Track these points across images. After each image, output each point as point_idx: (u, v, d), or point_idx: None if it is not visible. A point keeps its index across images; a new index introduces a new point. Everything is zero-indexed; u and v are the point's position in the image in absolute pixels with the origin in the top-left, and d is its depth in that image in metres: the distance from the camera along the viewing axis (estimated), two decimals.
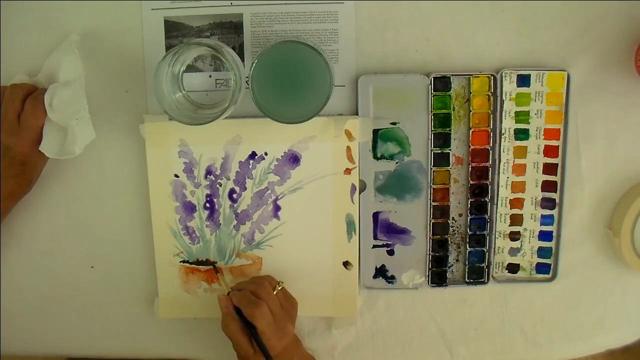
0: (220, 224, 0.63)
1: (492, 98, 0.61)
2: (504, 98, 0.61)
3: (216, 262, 0.63)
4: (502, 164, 0.62)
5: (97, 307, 0.66)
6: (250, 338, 0.55)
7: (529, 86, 0.61)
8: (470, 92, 0.61)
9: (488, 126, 0.61)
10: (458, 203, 0.63)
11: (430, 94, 0.60)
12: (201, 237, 0.63)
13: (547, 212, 0.63)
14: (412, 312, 0.66)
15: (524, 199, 0.63)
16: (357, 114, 0.61)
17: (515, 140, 0.62)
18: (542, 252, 0.64)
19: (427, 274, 0.64)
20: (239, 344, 0.55)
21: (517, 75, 0.60)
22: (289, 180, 0.62)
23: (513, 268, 0.65)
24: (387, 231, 0.63)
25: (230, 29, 0.60)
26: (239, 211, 0.63)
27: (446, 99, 0.61)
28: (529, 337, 0.66)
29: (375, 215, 0.63)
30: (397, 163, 0.62)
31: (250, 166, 0.62)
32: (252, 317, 0.54)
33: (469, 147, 0.62)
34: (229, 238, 0.63)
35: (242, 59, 0.60)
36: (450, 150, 0.62)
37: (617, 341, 0.67)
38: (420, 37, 0.61)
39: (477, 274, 0.64)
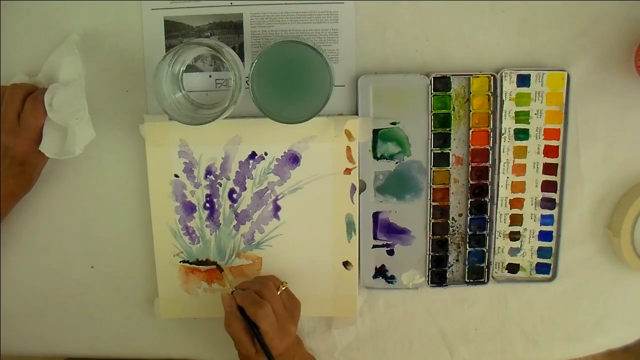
0: (220, 224, 0.63)
1: (492, 98, 0.61)
2: (504, 98, 0.61)
3: (217, 262, 0.63)
4: (502, 164, 0.62)
5: (97, 307, 0.66)
6: (252, 337, 0.55)
7: (529, 86, 0.61)
8: (470, 92, 0.61)
9: (488, 126, 0.61)
10: (458, 203, 0.63)
11: (430, 94, 0.60)
12: (201, 237, 0.63)
13: (547, 212, 0.63)
14: (412, 312, 0.66)
15: (524, 199, 0.63)
16: (357, 114, 0.61)
17: (515, 140, 0.62)
18: (542, 252, 0.64)
19: (427, 274, 0.64)
20: (241, 343, 0.55)
21: (517, 75, 0.60)
22: (289, 180, 0.62)
23: (513, 268, 0.65)
24: (387, 231, 0.63)
25: (230, 29, 0.60)
26: (238, 211, 0.63)
27: (446, 99, 0.61)
28: (529, 337, 0.66)
29: (375, 215, 0.63)
30: (397, 163, 0.62)
31: (250, 166, 0.62)
32: (255, 316, 0.54)
33: (469, 147, 0.62)
34: (228, 238, 0.63)
35: (242, 59, 0.60)
36: (450, 150, 0.62)
37: (617, 341, 0.67)
38: (420, 37, 0.61)
39: (477, 274, 0.64)
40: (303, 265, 0.63)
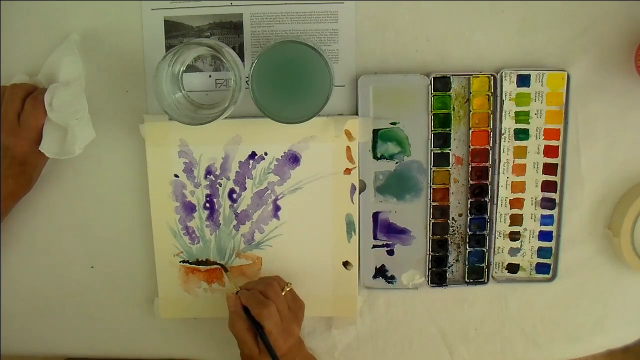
0: (220, 224, 0.63)
1: (492, 98, 0.61)
2: (504, 98, 0.61)
3: (222, 263, 0.63)
4: (502, 164, 0.62)
5: (97, 307, 0.66)
6: (256, 337, 0.55)
7: (529, 86, 0.61)
8: (470, 92, 0.61)
9: (488, 126, 0.61)
10: (458, 203, 0.63)
11: (430, 94, 0.60)
12: (201, 237, 0.63)
13: (547, 212, 0.63)
14: (412, 312, 0.66)
15: (524, 199, 0.63)
16: (357, 114, 0.61)
17: (515, 140, 0.62)
18: (542, 252, 0.64)
19: (427, 274, 0.64)
20: (245, 343, 0.55)
21: (517, 75, 0.60)
22: (289, 180, 0.62)
23: (513, 268, 0.65)
24: (387, 231, 0.63)
25: (230, 29, 0.60)
26: (238, 211, 0.63)
27: (446, 99, 0.61)
28: (529, 337, 0.66)
29: (375, 215, 0.63)
30: (397, 163, 0.62)
31: (250, 166, 0.62)
32: (260, 317, 0.54)
33: (469, 147, 0.62)
34: (228, 238, 0.63)
35: (242, 59, 0.60)
36: (450, 150, 0.62)
37: (617, 341, 0.67)
38: (420, 37, 0.61)
39: (477, 274, 0.64)
40: (303, 265, 0.63)
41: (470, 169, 0.62)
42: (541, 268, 0.64)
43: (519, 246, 0.64)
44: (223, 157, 0.61)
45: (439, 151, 0.62)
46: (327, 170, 0.61)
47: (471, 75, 0.60)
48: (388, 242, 0.64)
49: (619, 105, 0.62)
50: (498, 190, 0.63)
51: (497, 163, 0.62)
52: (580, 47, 0.61)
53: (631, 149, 0.63)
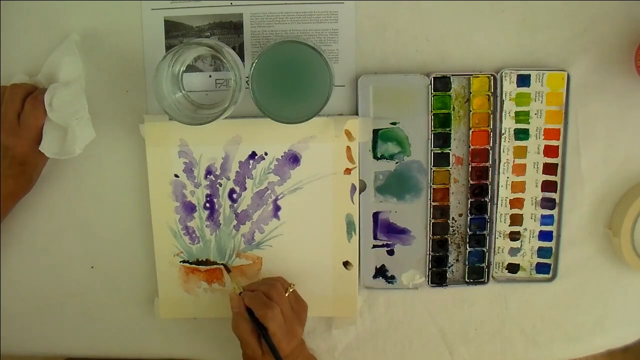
0: (220, 224, 0.63)
1: (492, 98, 0.61)
2: (504, 98, 0.61)
3: (221, 264, 0.63)
4: (502, 164, 0.62)
5: (97, 307, 0.66)
6: (259, 339, 0.55)
7: (529, 86, 0.61)
8: (470, 92, 0.61)
9: (488, 126, 0.61)
10: (458, 203, 0.63)
11: (430, 94, 0.60)
12: (201, 237, 0.63)
13: (547, 212, 0.63)
14: (412, 312, 0.66)
15: (524, 199, 0.63)
16: (357, 114, 0.61)
17: (515, 140, 0.62)
18: (542, 252, 0.64)
19: (427, 274, 0.64)
20: (248, 344, 0.55)
21: (517, 75, 0.60)
22: (289, 180, 0.62)
23: (513, 268, 0.65)
24: (387, 231, 0.63)
25: (230, 29, 0.60)
26: (239, 211, 0.63)
27: (446, 99, 0.61)
28: (529, 337, 0.66)
29: (375, 215, 0.63)
30: (397, 163, 0.62)
31: (250, 166, 0.62)
32: (264, 318, 0.54)
33: (469, 147, 0.62)
34: (229, 238, 0.63)
35: (242, 59, 0.60)
36: (450, 150, 0.62)
37: (617, 341, 0.67)
38: (420, 37, 0.61)
39: (477, 274, 0.64)
40: (303, 265, 0.63)
41: (470, 169, 0.62)
42: (541, 268, 0.64)
43: (519, 246, 0.64)
44: (223, 157, 0.61)
45: (439, 151, 0.62)
46: (327, 170, 0.61)
47: (471, 75, 0.60)
48: (388, 242, 0.64)
49: (619, 105, 0.62)
50: (498, 190, 0.63)
51: (497, 163, 0.62)
52: (580, 47, 0.61)
53: (631, 149, 0.63)
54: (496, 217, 0.63)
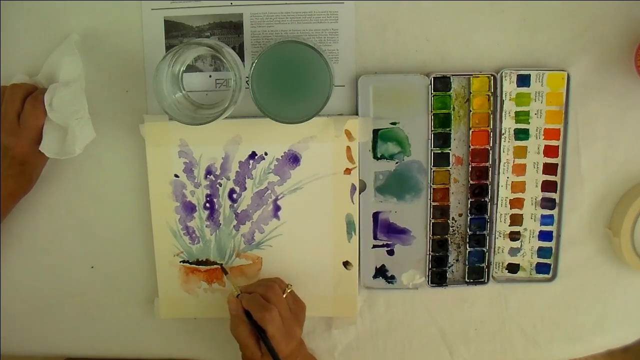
0: (220, 224, 0.63)
1: (492, 98, 0.61)
2: (504, 98, 0.61)
3: (221, 264, 0.63)
4: (502, 164, 0.62)
5: (97, 307, 0.66)
6: (258, 341, 0.55)
7: (529, 86, 0.61)
8: (470, 92, 0.61)
9: (488, 126, 0.61)
10: (458, 203, 0.63)
11: (430, 94, 0.60)
12: (201, 237, 0.63)
13: (547, 212, 0.63)
14: (412, 312, 0.66)
15: (524, 199, 0.63)
16: (357, 114, 0.61)
17: (515, 140, 0.62)
18: (542, 252, 0.64)
19: (427, 274, 0.64)
20: (247, 346, 0.55)
21: (517, 75, 0.60)
22: (289, 180, 0.62)
23: (513, 268, 0.65)
24: (387, 231, 0.63)
25: (230, 29, 0.60)
26: (239, 211, 0.63)
27: (446, 99, 0.61)
28: (529, 337, 0.66)
29: (375, 215, 0.63)
30: (397, 163, 0.62)
31: (250, 166, 0.62)
32: (262, 321, 0.54)
33: (469, 147, 0.62)
34: (229, 238, 0.63)
35: (242, 59, 0.60)
36: (450, 150, 0.62)
37: (617, 341, 0.67)
38: (420, 37, 0.61)
39: (477, 274, 0.64)
40: (303, 265, 0.63)
41: (470, 169, 0.62)
42: (541, 268, 0.64)
43: (519, 246, 0.64)
44: (223, 157, 0.61)
45: (439, 151, 0.62)
46: (327, 170, 0.61)
47: (471, 75, 0.60)
48: (388, 242, 0.64)
49: (619, 105, 0.62)
50: (498, 190, 0.63)
51: (497, 163, 0.62)
52: (580, 47, 0.61)
53: (631, 149, 0.63)
54: (496, 217, 0.63)
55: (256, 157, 0.62)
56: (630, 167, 0.63)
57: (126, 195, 0.63)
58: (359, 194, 0.62)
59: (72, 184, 0.63)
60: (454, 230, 0.64)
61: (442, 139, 0.62)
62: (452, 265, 0.65)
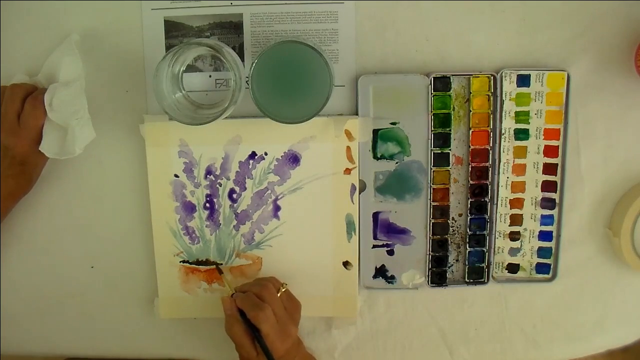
0: (220, 224, 0.63)
1: (492, 98, 0.61)
2: (504, 98, 0.61)
3: (221, 264, 0.63)
4: (502, 164, 0.62)
5: (97, 307, 0.66)
6: (253, 340, 0.55)
7: (529, 86, 0.61)
8: (470, 92, 0.61)
9: (488, 126, 0.61)
10: (458, 203, 0.63)
11: (430, 94, 0.60)
12: (201, 237, 0.63)
13: (547, 212, 0.63)
14: (412, 312, 0.66)
15: (524, 199, 0.63)
16: (357, 114, 0.61)
17: (515, 140, 0.62)
18: (542, 252, 0.64)
19: (427, 274, 0.64)
20: (242, 346, 0.55)
21: (517, 75, 0.60)
22: (289, 180, 0.62)
23: (513, 268, 0.65)
24: (387, 231, 0.63)
25: (230, 29, 0.60)
26: (238, 211, 0.63)
27: (446, 99, 0.61)
28: (529, 337, 0.66)
29: (375, 215, 0.63)
30: (397, 163, 0.62)
31: (250, 166, 0.62)
32: (256, 319, 0.54)
33: (469, 147, 0.62)
34: (228, 238, 0.63)
35: (242, 59, 0.60)
36: (450, 150, 0.62)
37: (617, 341, 0.67)
38: (420, 37, 0.61)
39: (477, 274, 0.64)
40: (303, 265, 0.63)
41: (470, 169, 0.62)
42: (541, 268, 0.64)
43: (519, 246, 0.64)
44: (223, 157, 0.61)
45: (439, 151, 0.62)
46: (327, 170, 0.61)
47: (471, 75, 0.60)
48: (388, 242, 0.64)
49: (619, 105, 0.62)
50: (498, 190, 0.63)
51: (497, 163, 0.62)
52: (580, 47, 0.61)
53: (631, 149, 0.63)
54: (496, 217, 0.63)
55: (256, 157, 0.62)
56: (630, 167, 0.63)
57: (126, 195, 0.63)
58: (359, 194, 0.62)
59: (72, 184, 0.63)
60: (454, 230, 0.64)
61: (442, 139, 0.62)
62: (452, 265, 0.65)
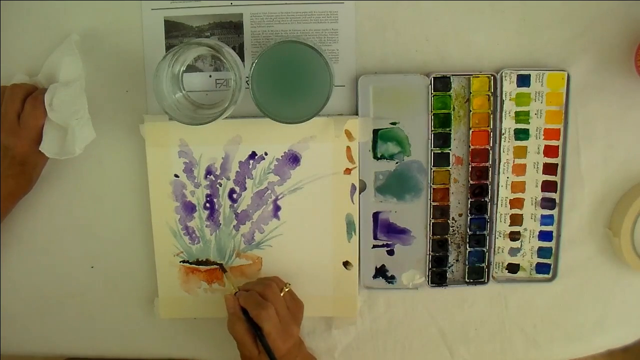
0: (220, 224, 0.63)
1: (492, 98, 0.61)
2: (504, 98, 0.61)
3: (221, 264, 0.63)
4: (502, 164, 0.62)
5: (97, 307, 0.66)
6: (255, 339, 0.55)
7: (529, 86, 0.61)
8: (470, 92, 0.61)
9: (488, 126, 0.61)
10: (458, 203, 0.63)
11: (430, 94, 0.60)
12: (201, 237, 0.63)
13: (547, 212, 0.63)
14: (412, 312, 0.66)
15: (524, 199, 0.63)
16: (357, 114, 0.61)
17: (515, 140, 0.62)
18: (542, 252, 0.64)
19: (427, 274, 0.64)
20: (244, 344, 0.55)
21: (517, 75, 0.60)
22: (289, 180, 0.62)
23: (513, 268, 0.65)
24: (387, 231, 0.63)
25: (230, 29, 0.60)
26: (239, 211, 0.63)
27: (446, 99, 0.61)
28: (529, 337, 0.66)
29: (375, 215, 0.63)
30: (397, 163, 0.62)
31: (250, 166, 0.62)
32: (258, 318, 0.54)
33: (469, 147, 0.62)
34: (229, 238, 0.63)
35: (242, 59, 0.60)
36: (450, 150, 0.62)
37: (617, 341, 0.67)
38: (420, 37, 0.61)
39: (477, 274, 0.64)
40: (303, 265, 0.63)
41: (470, 169, 0.62)
42: (541, 268, 0.64)
43: (519, 246, 0.64)
44: (223, 157, 0.61)
45: (439, 151, 0.62)
46: (327, 170, 0.61)
47: (471, 75, 0.60)
48: (388, 242, 0.64)
49: (619, 105, 0.62)
50: (498, 190, 0.63)
51: (497, 163, 0.62)
52: (580, 47, 0.61)
53: (631, 149, 0.63)
54: (496, 217, 0.63)
55: (256, 157, 0.62)
56: (630, 167, 0.63)
57: (126, 195, 0.63)
58: (359, 194, 0.62)
59: (72, 184, 0.63)
60: (454, 230, 0.64)
61: (442, 139, 0.62)
62: (452, 265, 0.65)
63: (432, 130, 0.61)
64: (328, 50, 0.60)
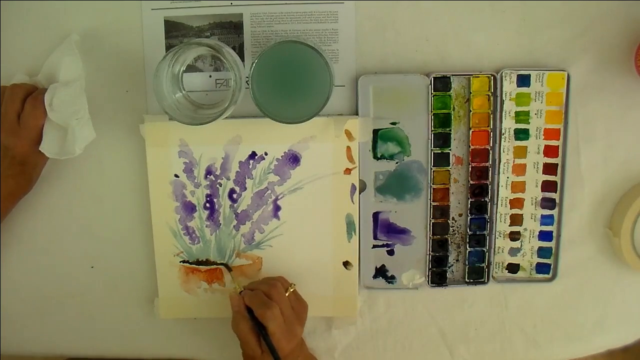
0: (220, 224, 0.63)
1: (492, 98, 0.61)
2: (504, 98, 0.61)
3: (222, 264, 0.63)
4: (502, 164, 0.62)
5: (97, 307, 0.66)
6: (259, 338, 0.55)
7: (529, 86, 0.61)
8: (470, 92, 0.61)
9: (488, 126, 0.61)
10: (458, 203, 0.63)
11: (430, 94, 0.60)
12: (201, 237, 0.63)
13: (547, 212, 0.63)
14: (412, 312, 0.66)
15: (524, 199, 0.63)
16: (357, 114, 0.61)
17: (515, 140, 0.62)
18: (542, 252, 0.64)
19: (427, 274, 0.64)
20: (248, 343, 0.55)
21: (517, 75, 0.60)
22: (289, 180, 0.62)
23: (513, 268, 0.65)
24: (387, 231, 0.63)
25: (230, 29, 0.60)
26: (239, 211, 0.63)
27: (446, 99, 0.61)
28: (529, 337, 0.66)
29: (375, 215, 0.63)
30: (397, 163, 0.62)
31: (250, 166, 0.62)
32: (263, 317, 0.54)
33: (469, 147, 0.62)
34: (229, 238, 0.63)
35: (242, 59, 0.60)
36: (450, 150, 0.62)
37: (617, 341, 0.67)
38: (420, 37, 0.61)
39: (477, 274, 0.64)
40: (303, 265, 0.63)
41: (470, 169, 0.62)
42: (541, 268, 0.64)
43: (519, 246, 0.64)
44: (223, 157, 0.61)
45: (439, 151, 0.62)
46: (327, 170, 0.61)
47: (471, 75, 0.60)
48: (388, 242, 0.64)
49: (619, 105, 0.62)
50: (498, 190, 0.63)
51: (497, 163, 0.62)
52: (580, 47, 0.61)
53: (631, 149, 0.63)
54: (496, 217, 0.63)
55: (256, 157, 0.62)
56: (630, 167, 0.63)
57: (126, 195, 0.63)
58: (359, 194, 0.62)
59: (72, 184, 0.63)
60: (454, 230, 0.64)
61: (442, 139, 0.62)
62: (452, 265, 0.65)
63: (432, 130, 0.61)
64: (328, 50, 0.60)
